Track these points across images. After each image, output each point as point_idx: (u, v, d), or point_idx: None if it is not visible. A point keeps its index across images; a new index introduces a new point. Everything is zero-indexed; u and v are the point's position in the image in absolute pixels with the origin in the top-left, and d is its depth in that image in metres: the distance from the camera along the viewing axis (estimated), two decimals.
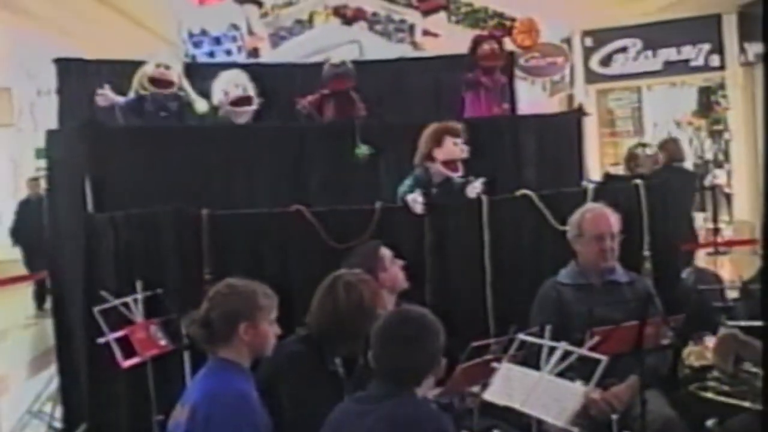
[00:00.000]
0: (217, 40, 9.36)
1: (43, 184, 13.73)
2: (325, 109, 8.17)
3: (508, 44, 11.96)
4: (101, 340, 5.61)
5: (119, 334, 5.62)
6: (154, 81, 7.80)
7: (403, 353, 4.01)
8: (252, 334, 4.42)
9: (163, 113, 7.80)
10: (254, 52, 9.99)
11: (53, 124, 8.30)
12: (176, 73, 7.93)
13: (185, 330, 4.78)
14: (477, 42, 8.76)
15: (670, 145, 12.15)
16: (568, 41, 18.42)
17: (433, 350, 4.06)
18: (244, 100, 8.02)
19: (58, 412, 7.13)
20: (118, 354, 5.53)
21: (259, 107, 8.15)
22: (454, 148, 6.87)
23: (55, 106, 8.39)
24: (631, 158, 15.38)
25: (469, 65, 8.63)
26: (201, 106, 7.95)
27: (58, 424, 7.15)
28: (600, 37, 18.52)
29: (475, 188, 6.76)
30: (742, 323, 5.72)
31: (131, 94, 7.85)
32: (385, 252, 5.89)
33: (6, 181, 18.01)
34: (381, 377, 4.07)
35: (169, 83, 7.86)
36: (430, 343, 4.06)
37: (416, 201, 6.54)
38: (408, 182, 6.82)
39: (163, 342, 5.75)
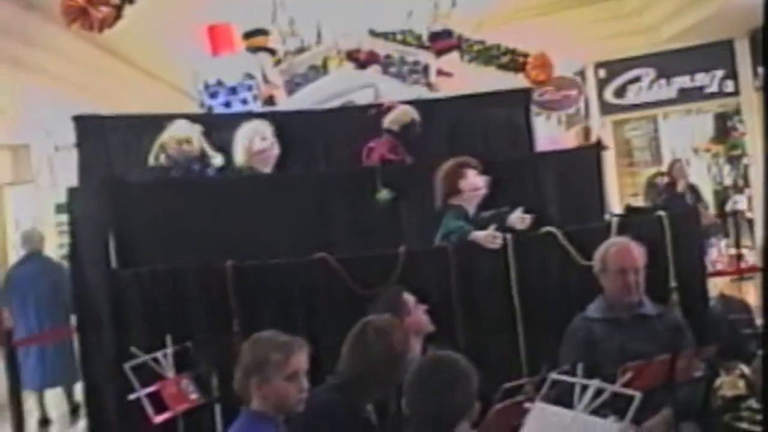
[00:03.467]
0: (233, 90, 9.38)
1: None
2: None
3: (522, 80, 12.00)
4: (132, 397, 5.60)
5: (151, 389, 5.62)
6: (174, 152, 7.85)
7: (437, 399, 4.00)
8: (265, 390, 4.46)
9: (191, 175, 7.89)
10: (270, 100, 9.98)
11: (71, 179, 8.32)
12: (196, 141, 7.96)
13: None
14: (381, 112, 8.79)
15: None
16: (581, 74, 18.44)
17: (467, 395, 4.05)
18: (268, 150, 8.04)
19: None
20: (149, 410, 5.52)
21: (279, 155, 8.18)
22: (477, 178, 6.97)
23: (74, 163, 8.41)
24: (651, 188, 15.42)
25: (374, 132, 8.64)
26: (218, 161, 8.01)
27: None
28: (613, 68, 18.53)
29: (524, 219, 6.84)
30: None
31: (151, 159, 7.89)
32: (408, 297, 5.89)
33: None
34: (415, 424, 4.06)
35: (188, 154, 7.91)
36: (464, 388, 4.05)
37: (496, 237, 6.60)
38: (450, 224, 6.83)
39: (194, 396, 5.75)
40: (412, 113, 8.29)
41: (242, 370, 4.50)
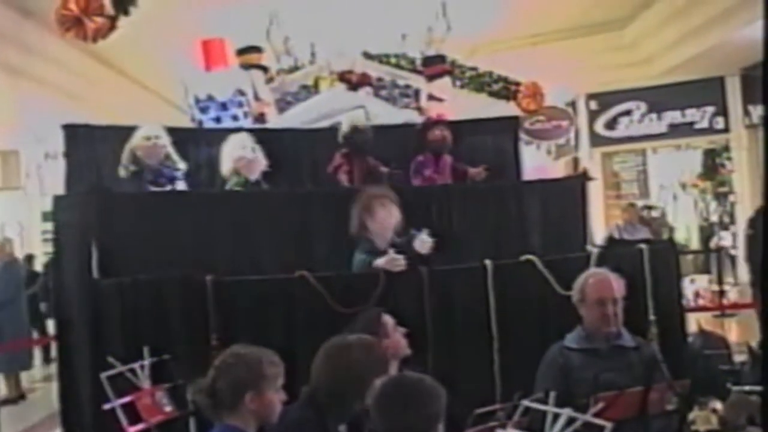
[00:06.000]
0: (224, 106, 9.44)
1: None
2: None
3: (513, 108, 12.04)
4: (107, 406, 5.61)
5: (125, 400, 5.63)
6: (145, 153, 7.96)
7: (397, 417, 4.00)
8: (258, 404, 4.43)
9: (162, 179, 7.96)
10: (260, 118, 10.01)
11: (60, 187, 8.37)
12: (164, 140, 8.09)
13: (191, 397, 4.79)
14: (427, 126, 8.94)
15: None
16: (572, 104, 18.51)
17: (427, 413, 4.02)
18: (248, 157, 8.13)
19: None
20: (123, 420, 5.53)
21: (267, 169, 8.25)
22: (384, 214, 6.85)
23: (62, 171, 8.45)
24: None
25: (418, 148, 8.77)
26: (182, 166, 8.17)
27: None
28: (604, 100, 18.63)
29: (424, 242, 6.75)
30: (747, 388, 5.72)
31: (121, 171, 7.99)
32: (388, 319, 5.87)
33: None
34: None
35: (159, 153, 8.03)
36: (424, 406, 4.03)
37: (395, 260, 6.59)
38: (360, 256, 6.84)
39: (168, 408, 5.75)
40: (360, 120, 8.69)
41: (232, 385, 4.45)
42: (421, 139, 8.91)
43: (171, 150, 8.18)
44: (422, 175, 8.80)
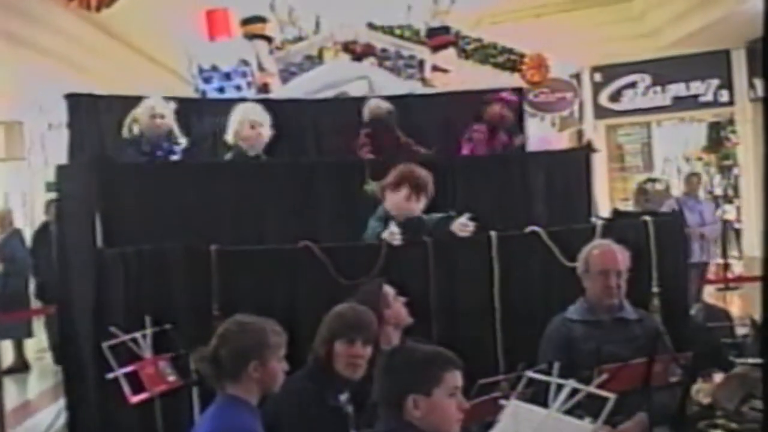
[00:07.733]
0: (227, 76, 9.38)
1: None
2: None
3: (517, 80, 12.00)
4: (110, 376, 5.61)
5: (128, 369, 5.63)
6: (146, 129, 7.94)
7: (378, 385, 4.04)
8: (261, 372, 4.43)
9: (159, 152, 7.93)
10: (264, 88, 9.95)
11: (63, 158, 8.33)
12: (168, 117, 8.04)
13: (194, 366, 4.79)
14: (489, 101, 8.79)
15: None
16: (577, 77, 18.45)
17: (398, 382, 4.00)
18: (253, 138, 8.06)
19: None
20: (126, 389, 5.53)
21: (270, 140, 8.19)
22: (401, 200, 6.69)
23: (66, 141, 8.42)
24: (641, 193, 15.38)
25: (477, 116, 8.69)
26: (183, 143, 8.13)
27: None
28: (609, 72, 18.58)
29: (465, 227, 6.66)
30: (750, 360, 5.72)
31: (125, 131, 7.98)
32: (388, 289, 5.87)
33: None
34: (380, 409, 4.08)
35: (161, 131, 8.01)
36: (402, 368, 4.01)
37: (394, 234, 6.56)
38: (374, 223, 6.75)
39: (171, 378, 5.76)
40: (385, 105, 8.48)
41: (236, 353, 4.44)
42: (480, 110, 8.80)
43: (174, 126, 8.13)
44: (473, 143, 8.70)
